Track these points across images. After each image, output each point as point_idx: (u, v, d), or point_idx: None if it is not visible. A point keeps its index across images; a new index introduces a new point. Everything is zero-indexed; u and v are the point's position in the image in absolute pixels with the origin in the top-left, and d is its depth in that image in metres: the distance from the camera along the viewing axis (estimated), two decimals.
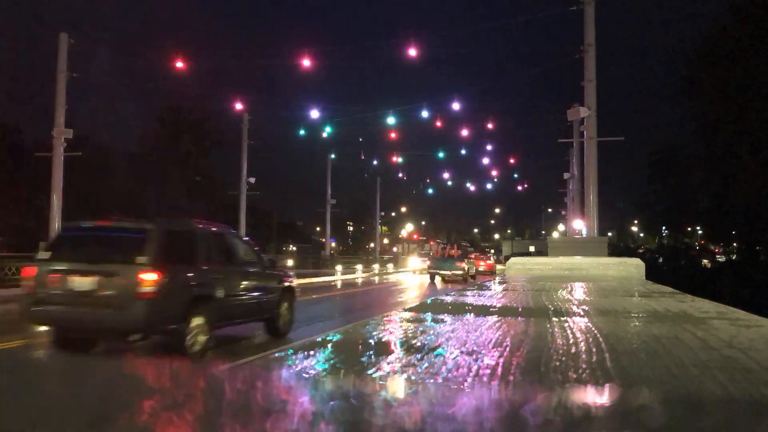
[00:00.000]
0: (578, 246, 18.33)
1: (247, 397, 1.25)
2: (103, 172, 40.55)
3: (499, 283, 6.50)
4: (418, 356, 1.85)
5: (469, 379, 1.52)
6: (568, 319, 2.98)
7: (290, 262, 43.51)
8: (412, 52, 20.08)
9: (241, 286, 8.54)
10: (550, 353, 1.96)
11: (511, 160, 42.25)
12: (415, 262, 45.35)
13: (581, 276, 7.76)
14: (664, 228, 63.84)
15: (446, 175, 47.47)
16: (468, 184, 49.68)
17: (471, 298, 4.28)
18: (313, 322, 11.10)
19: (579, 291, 5.18)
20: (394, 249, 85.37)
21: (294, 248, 60.84)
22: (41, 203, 24.44)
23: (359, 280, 30.68)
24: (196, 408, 1.18)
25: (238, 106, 30.94)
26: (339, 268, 37.07)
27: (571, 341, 2.25)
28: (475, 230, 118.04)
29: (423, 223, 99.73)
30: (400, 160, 40.15)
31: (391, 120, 26.60)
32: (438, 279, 27.15)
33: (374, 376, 1.56)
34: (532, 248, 62.61)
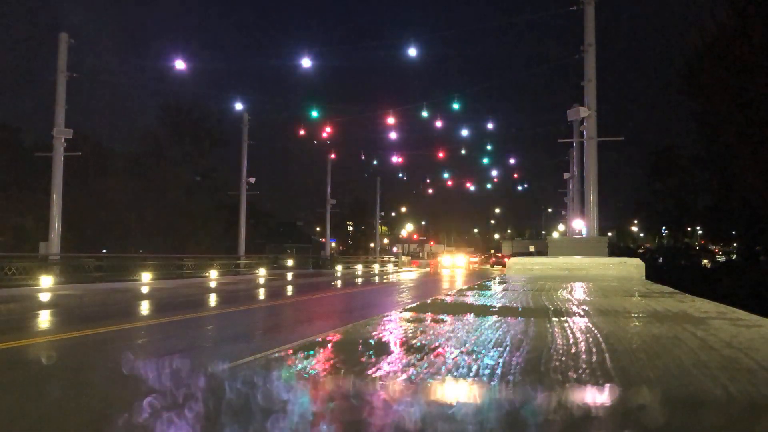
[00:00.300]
0: (578, 246, 18.34)
1: (247, 397, 1.25)
2: (103, 173, 40.55)
3: (499, 283, 6.50)
4: (418, 356, 1.85)
5: (470, 379, 1.52)
6: (568, 319, 2.98)
7: (290, 262, 43.54)
8: (412, 51, 20.11)
9: None
10: (550, 353, 1.96)
11: (512, 160, 42.31)
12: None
13: (581, 276, 7.81)
14: (664, 228, 63.89)
15: (446, 175, 47.54)
16: (468, 184, 49.73)
17: (471, 298, 4.29)
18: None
19: (579, 291, 5.18)
20: (394, 249, 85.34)
21: (294, 248, 60.87)
22: (41, 203, 24.45)
23: (359, 279, 30.75)
24: (196, 408, 1.17)
25: (239, 106, 30.97)
26: (339, 267, 37.08)
27: (571, 341, 2.25)
28: (475, 230, 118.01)
29: (423, 223, 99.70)
30: (400, 160, 40.21)
31: (391, 120, 26.62)
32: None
33: (374, 376, 1.56)
34: (532, 248, 62.65)
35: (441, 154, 36.91)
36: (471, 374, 1.56)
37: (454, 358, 1.78)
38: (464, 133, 30.18)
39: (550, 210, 73.93)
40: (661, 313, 3.31)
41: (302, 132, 28.99)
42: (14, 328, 9.62)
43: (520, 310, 3.46)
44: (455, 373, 1.57)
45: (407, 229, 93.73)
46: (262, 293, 20.75)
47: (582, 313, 3.25)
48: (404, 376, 1.54)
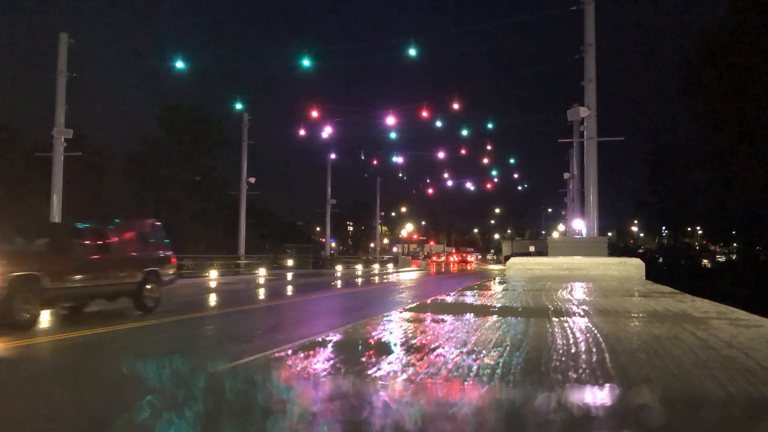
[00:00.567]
0: (578, 246, 18.33)
1: (247, 397, 1.25)
2: (103, 172, 40.57)
3: (499, 283, 6.49)
4: (418, 356, 1.85)
5: (470, 379, 1.52)
6: (568, 319, 2.98)
7: (290, 262, 43.52)
8: (412, 52, 20.10)
9: None
10: (550, 353, 1.96)
11: (512, 160, 42.33)
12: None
13: (581, 276, 7.81)
14: (664, 228, 63.87)
15: (446, 175, 47.52)
16: (468, 184, 49.72)
17: (471, 298, 4.29)
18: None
19: (579, 291, 5.18)
20: (394, 249, 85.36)
21: (294, 248, 60.95)
22: (42, 203, 24.46)
23: (360, 280, 30.75)
24: (196, 408, 1.17)
25: (238, 106, 30.94)
26: (339, 267, 37.08)
27: (571, 341, 2.25)
28: (475, 230, 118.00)
29: (423, 223, 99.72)
30: (400, 160, 40.19)
31: (391, 120, 26.60)
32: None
33: (374, 376, 1.56)
34: (532, 248, 62.70)
35: (441, 154, 36.87)
36: (471, 374, 1.56)
37: (454, 359, 1.78)
38: (464, 132, 30.11)
39: (550, 210, 73.92)
40: (661, 313, 3.31)
41: (302, 132, 28.94)
42: (14, 327, 9.61)
43: (520, 310, 3.46)
44: (455, 374, 1.56)
45: (407, 229, 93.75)
46: (262, 293, 20.75)
47: (582, 313, 3.25)
48: (404, 376, 1.54)
